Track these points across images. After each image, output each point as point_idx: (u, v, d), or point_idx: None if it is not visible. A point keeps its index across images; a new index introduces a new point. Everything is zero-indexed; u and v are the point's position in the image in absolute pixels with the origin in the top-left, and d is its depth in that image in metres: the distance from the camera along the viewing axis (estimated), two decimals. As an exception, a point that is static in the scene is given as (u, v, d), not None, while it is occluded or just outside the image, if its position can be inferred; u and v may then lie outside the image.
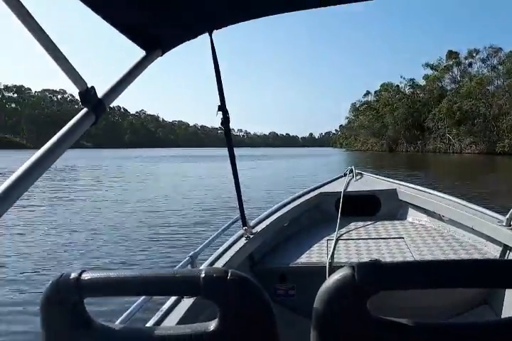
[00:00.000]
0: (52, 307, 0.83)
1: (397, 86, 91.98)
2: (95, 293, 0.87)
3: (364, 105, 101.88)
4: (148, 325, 1.44)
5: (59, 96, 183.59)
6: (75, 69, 0.99)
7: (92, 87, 1.04)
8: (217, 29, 1.59)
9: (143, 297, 1.49)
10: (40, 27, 0.89)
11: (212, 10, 1.39)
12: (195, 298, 1.54)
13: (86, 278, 0.81)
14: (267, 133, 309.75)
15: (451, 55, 79.05)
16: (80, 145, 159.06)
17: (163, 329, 0.86)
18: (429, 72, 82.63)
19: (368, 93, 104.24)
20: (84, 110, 1.04)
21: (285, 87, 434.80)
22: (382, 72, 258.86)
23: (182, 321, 1.50)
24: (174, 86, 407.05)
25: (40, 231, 8.45)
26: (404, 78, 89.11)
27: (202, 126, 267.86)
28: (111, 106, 1.14)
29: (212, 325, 0.80)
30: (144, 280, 0.82)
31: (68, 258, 6.32)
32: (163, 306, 1.58)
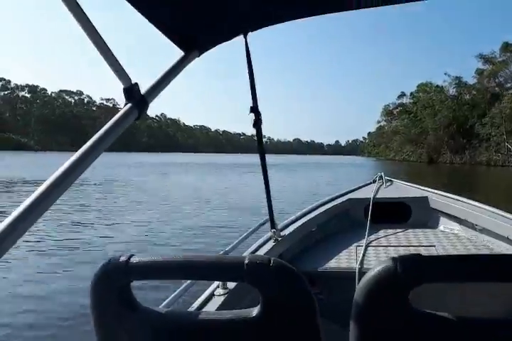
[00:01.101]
0: (102, 290, 0.86)
1: (438, 86, 77.41)
2: (143, 276, 0.88)
3: (398, 108, 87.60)
4: (190, 309, 1.47)
5: (76, 98, 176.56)
6: (121, 66, 1.02)
7: (136, 84, 1.08)
8: (252, 31, 1.61)
9: (186, 282, 1.57)
10: (92, 24, 0.93)
11: (248, 11, 1.44)
12: (236, 284, 1.62)
13: (134, 261, 0.83)
14: (291, 140, 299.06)
15: (508, 47, 64.31)
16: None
17: (206, 314, 0.87)
18: (474, 66, 67.83)
19: (402, 95, 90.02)
20: (128, 106, 1.07)
21: (310, 91, 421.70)
22: (416, 72, 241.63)
23: (223, 306, 1.53)
24: (199, 90, 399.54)
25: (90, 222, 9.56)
26: (448, 76, 74.31)
27: (224, 131, 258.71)
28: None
29: (254, 311, 0.80)
30: (189, 264, 0.83)
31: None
32: (205, 291, 1.62)
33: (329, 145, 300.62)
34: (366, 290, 0.77)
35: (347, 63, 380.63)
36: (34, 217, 0.80)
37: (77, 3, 0.88)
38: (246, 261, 0.78)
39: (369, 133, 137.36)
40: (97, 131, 0.98)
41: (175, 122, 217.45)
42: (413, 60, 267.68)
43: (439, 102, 71.81)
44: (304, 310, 0.80)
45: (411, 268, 0.75)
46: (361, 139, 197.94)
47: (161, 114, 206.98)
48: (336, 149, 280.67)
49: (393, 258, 0.76)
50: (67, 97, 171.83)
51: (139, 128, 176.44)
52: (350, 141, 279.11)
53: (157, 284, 4.30)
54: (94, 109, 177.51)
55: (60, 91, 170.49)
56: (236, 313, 0.82)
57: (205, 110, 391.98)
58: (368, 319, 0.79)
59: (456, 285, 0.81)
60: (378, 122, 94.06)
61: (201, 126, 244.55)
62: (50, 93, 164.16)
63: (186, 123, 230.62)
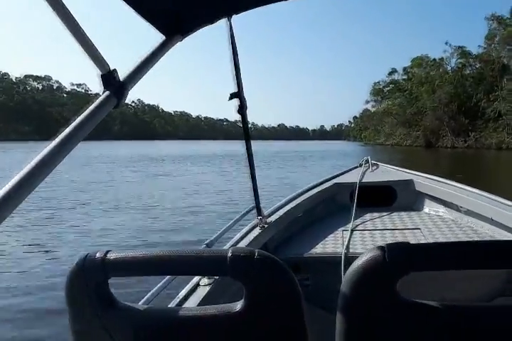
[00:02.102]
0: (77, 286, 0.82)
1: (435, 60, 66.35)
2: (120, 273, 0.85)
3: (390, 85, 76.48)
4: (171, 305, 1.42)
5: (44, 83, 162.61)
6: (97, 50, 0.97)
7: (114, 70, 1.02)
8: (236, 13, 1.56)
9: (166, 277, 1.51)
10: (67, 8, 0.88)
11: None
12: (218, 278, 1.59)
13: (111, 257, 0.80)
14: (276, 126, 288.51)
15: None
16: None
17: (187, 310, 0.84)
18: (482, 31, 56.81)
19: (393, 71, 78.72)
20: (106, 93, 1.02)
21: (294, 75, 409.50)
22: (408, 49, 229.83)
23: (205, 301, 1.49)
24: (181, 75, 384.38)
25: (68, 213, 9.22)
26: (450, 45, 63.11)
27: (206, 118, 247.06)
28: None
29: (238, 305, 0.78)
30: (169, 259, 0.80)
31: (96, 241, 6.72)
32: (186, 286, 1.57)
33: (314, 130, 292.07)
34: (353, 280, 0.76)
35: (332, 44, 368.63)
36: (7, 211, 0.76)
37: None
38: (229, 255, 0.75)
39: (355, 117, 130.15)
40: (73, 120, 0.93)
41: (153, 108, 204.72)
42: (403, 37, 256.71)
43: (439, 77, 61.02)
44: (289, 302, 0.78)
45: (398, 257, 0.74)
46: (347, 123, 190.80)
47: (138, 100, 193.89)
48: (321, 134, 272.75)
49: (380, 247, 0.75)
50: (34, 83, 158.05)
51: (111, 115, 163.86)
52: (335, 126, 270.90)
53: (138, 278, 4.01)
54: (64, 95, 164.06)
55: (26, 76, 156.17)
56: (219, 308, 0.79)
57: (188, 96, 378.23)
58: (355, 309, 0.77)
59: (441, 273, 0.81)
60: (367, 102, 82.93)
61: (181, 112, 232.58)
62: (13, 78, 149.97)
63: (165, 110, 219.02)
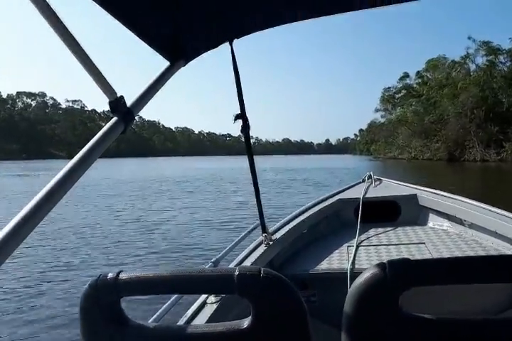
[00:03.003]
0: (91, 307, 0.84)
1: (454, 61, 56.64)
2: (132, 292, 0.86)
3: (402, 91, 66.61)
4: (180, 323, 1.45)
5: (39, 100, 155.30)
6: (105, 79, 1.00)
7: (122, 97, 1.05)
8: (238, 38, 1.59)
9: (174, 296, 1.53)
10: (74, 37, 0.91)
11: (234, 19, 1.46)
12: (225, 296, 1.61)
13: (123, 277, 0.82)
14: (280, 140, 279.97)
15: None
16: (53, 156, 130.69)
17: (196, 327, 0.87)
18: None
19: (405, 76, 69.09)
20: (114, 119, 1.05)
21: (298, 89, 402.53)
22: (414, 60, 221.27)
23: (213, 319, 1.51)
24: (185, 90, 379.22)
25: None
26: (474, 40, 53.28)
27: (208, 133, 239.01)
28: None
29: (245, 323, 0.79)
30: (178, 278, 0.82)
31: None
32: (194, 304, 1.59)
33: (319, 144, 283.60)
34: (356, 296, 0.77)
35: (336, 58, 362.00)
36: (25, 232, 0.78)
37: (56, 15, 0.85)
38: (236, 273, 0.77)
39: (361, 130, 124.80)
40: (81, 146, 0.96)
41: (153, 124, 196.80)
42: (409, 49, 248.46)
43: (462, 78, 51.25)
44: (295, 319, 0.79)
45: (400, 273, 0.74)
46: (353, 136, 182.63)
47: (137, 116, 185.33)
48: (326, 148, 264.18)
49: (382, 264, 0.76)
50: (28, 100, 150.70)
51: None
52: (340, 140, 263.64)
53: (147, 297, 3.89)
54: (59, 111, 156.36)
55: (18, 92, 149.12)
56: (227, 325, 0.81)
57: (191, 111, 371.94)
58: (358, 324, 0.78)
59: (446, 287, 0.80)
60: (376, 111, 73.07)
61: (183, 128, 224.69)
62: (5, 95, 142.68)
63: (166, 126, 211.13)
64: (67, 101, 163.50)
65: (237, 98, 1.96)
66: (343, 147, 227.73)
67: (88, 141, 0.95)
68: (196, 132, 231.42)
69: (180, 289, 0.90)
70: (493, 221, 2.43)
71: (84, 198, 15.72)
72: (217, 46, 1.50)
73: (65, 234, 9.11)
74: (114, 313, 0.84)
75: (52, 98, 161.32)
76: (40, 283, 5.56)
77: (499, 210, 2.54)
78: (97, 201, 15.39)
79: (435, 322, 0.75)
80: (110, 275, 0.83)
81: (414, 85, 65.92)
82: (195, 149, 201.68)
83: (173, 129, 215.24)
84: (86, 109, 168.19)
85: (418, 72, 66.37)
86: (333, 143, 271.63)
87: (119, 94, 1.04)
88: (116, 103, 1.03)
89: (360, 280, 0.77)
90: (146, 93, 1.17)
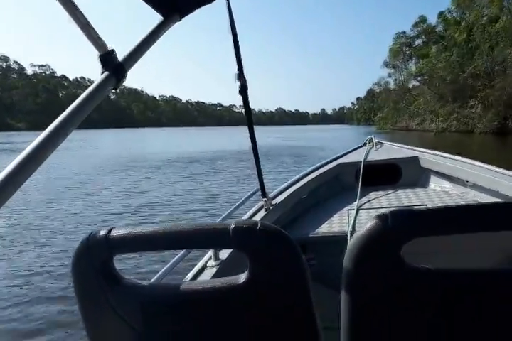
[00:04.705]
0: (83, 265, 0.82)
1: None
2: (125, 249, 0.83)
3: (421, 36, 47.90)
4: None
5: (1, 64, 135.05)
6: (95, 31, 0.95)
7: (113, 50, 0.99)
8: None
9: (177, 255, 1.52)
10: None
11: None
12: (229, 254, 1.61)
13: (115, 234, 0.79)
14: (274, 110, 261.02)
15: None
16: (10, 127, 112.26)
17: (191, 284, 0.83)
18: None
19: (422, 21, 50.19)
20: (105, 74, 0.99)
21: (291, 56, 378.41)
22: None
23: (216, 277, 1.44)
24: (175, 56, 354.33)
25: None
26: None
27: (197, 102, 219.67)
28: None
29: (243, 277, 0.76)
30: (172, 233, 0.79)
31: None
32: (198, 263, 1.58)
33: (315, 114, 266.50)
34: (357, 248, 0.74)
35: (331, 21, 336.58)
36: (10, 191, 0.75)
37: None
38: (232, 227, 0.74)
39: (358, 99, 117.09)
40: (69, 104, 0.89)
41: (133, 92, 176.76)
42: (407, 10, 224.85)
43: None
44: (293, 273, 0.76)
45: (401, 223, 0.72)
46: (349, 106, 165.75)
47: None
48: (322, 118, 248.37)
49: (383, 215, 0.73)
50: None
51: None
52: (336, 109, 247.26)
53: (151, 257, 4.20)
54: (24, 78, 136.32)
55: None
56: (224, 281, 0.78)
57: (178, 79, 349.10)
58: (359, 276, 0.75)
59: (449, 239, 0.79)
60: (386, 65, 54.55)
61: (169, 97, 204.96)
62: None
63: (150, 94, 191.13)
64: (33, 65, 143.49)
65: (235, 56, 1.87)
66: (339, 117, 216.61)
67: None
68: (183, 101, 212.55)
69: (175, 244, 0.85)
70: (495, 180, 2.38)
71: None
72: (213, 0, 1.38)
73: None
74: (106, 271, 0.81)
75: (16, 62, 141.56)
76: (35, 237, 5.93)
77: (501, 170, 2.50)
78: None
79: (439, 273, 0.72)
80: (102, 232, 0.80)
81: (439, 29, 47.34)
82: (182, 119, 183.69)
83: (157, 98, 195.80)
84: (55, 75, 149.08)
85: (441, 14, 47.63)
86: (329, 113, 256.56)
87: (110, 48, 0.98)
88: (107, 56, 0.97)
89: (361, 231, 0.74)
90: (139, 48, 1.11)
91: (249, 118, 2.10)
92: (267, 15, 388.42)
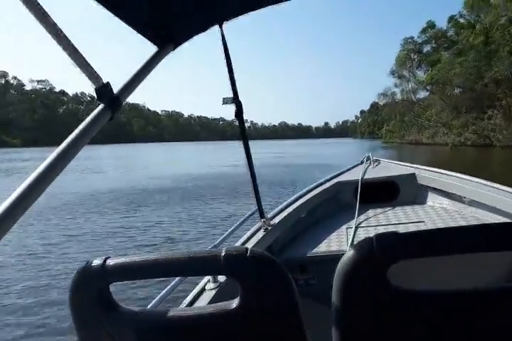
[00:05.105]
0: (80, 293, 0.83)
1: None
2: (120, 278, 0.85)
3: (432, 41, 44.04)
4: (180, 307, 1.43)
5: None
6: (90, 65, 0.96)
7: (108, 83, 1.01)
8: (227, 20, 1.55)
9: (172, 282, 1.52)
10: (57, 25, 0.88)
11: (222, 0, 1.39)
12: (223, 280, 1.59)
13: (110, 263, 0.80)
14: (277, 124, 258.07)
15: None
16: (5, 144, 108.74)
17: (185, 311, 0.85)
18: None
19: (430, 26, 46.43)
20: (101, 106, 1.01)
21: (295, 71, 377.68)
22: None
23: (213, 302, 1.44)
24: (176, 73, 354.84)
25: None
26: None
27: (199, 117, 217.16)
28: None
29: (234, 303, 0.77)
30: (165, 261, 0.80)
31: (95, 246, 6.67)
32: (192, 291, 1.56)
33: (318, 127, 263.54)
34: (345, 269, 0.75)
35: (334, 35, 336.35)
36: (12, 220, 0.78)
37: (40, 3, 0.82)
38: (222, 254, 0.76)
39: (362, 112, 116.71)
40: (68, 135, 0.92)
41: (135, 107, 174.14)
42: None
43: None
44: (284, 299, 0.77)
45: (386, 246, 0.73)
46: (352, 119, 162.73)
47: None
48: (325, 132, 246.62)
49: (369, 238, 0.75)
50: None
51: (76, 115, 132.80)
52: (340, 122, 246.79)
53: (146, 284, 4.21)
54: (21, 94, 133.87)
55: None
56: (216, 307, 0.79)
57: (181, 94, 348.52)
58: (346, 297, 0.76)
59: (438, 260, 0.77)
60: (392, 73, 50.58)
61: (171, 112, 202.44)
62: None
63: (152, 109, 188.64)
64: (32, 81, 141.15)
65: (229, 82, 1.89)
66: (342, 130, 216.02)
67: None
68: (186, 116, 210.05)
69: (168, 272, 0.87)
70: (493, 196, 2.38)
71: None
72: (206, 29, 1.43)
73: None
74: (103, 299, 0.82)
75: (15, 78, 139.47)
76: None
77: (498, 185, 2.49)
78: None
79: (425, 294, 0.73)
80: (97, 261, 0.80)
81: (450, 33, 43.43)
82: (184, 134, 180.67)
83: (159, 112, 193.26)
84: (55, 90, 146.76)
85: (451, 18, 43.77)
86: (332, 127, 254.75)
87: (105, 81, 0.99)
88: (103, 90, 0.99)
89: (347, 255, 0.76)
90: (134, 79, 1.12)
91: (245, 140, 2.09)
92: (265, 30, 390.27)
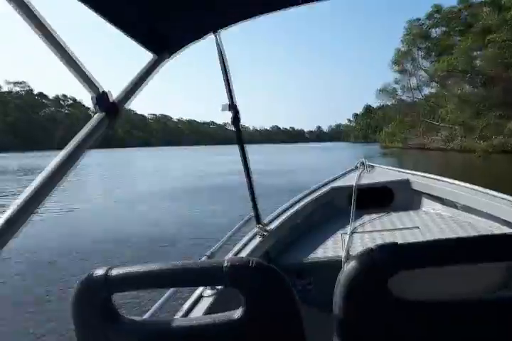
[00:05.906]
0: (82, 304, 0.82)
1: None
2: (123, 288, 0.84)
3: (447, 21, 36.74)
4: (177, 316, 1.40)
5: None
6: (88, 74, 0.95)
7: (105, 92, 1.01)
8: (222, 28, 1.55)
9: (170, 291, 1.50)
10: (52, 33, 0.87)
11: (218, 9, 1.39)
12: (221, 288, 1.57)
13: (113, 274, 0.80)
14: (269, 128, 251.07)
15: None
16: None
17: (188, 321, 0.84)
18: None
19: (436, 10, 38.96)
20: (99, 115, 1.01)
21: (287, 73, 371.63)
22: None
23: (211, 310, 1.46)
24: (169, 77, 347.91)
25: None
26: None
27: (189, 121, 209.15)
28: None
29: (237, 313, 0.78)
30: (168, 272, 0.79)
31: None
32: (189, 299, 1.55)
33: (310, 131, 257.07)
34: (346, 280, 0.75)
35: (325, 41, 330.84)
36: (12, 233, 0.77)
37: (36, 12, 0.82)
38: (225, 264, 0.75)
39: (355, 115, 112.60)
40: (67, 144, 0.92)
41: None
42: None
43: None
44: (286, 308, 0.78)
45: (387, 257, 0.73)
46: (345, 122, 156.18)
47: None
48: (318, 135, 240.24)
49: (369, 249, 0.75)
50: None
51: (54, 118, 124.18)
52: (332, 126, 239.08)
53: (145, 292, 4.04)
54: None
55: None
56: (218, 317, 0.79)
57: (172, 99, 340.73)
58: (348, 308, 0.77)
59: (438, 270, 0.77)
60: (395, 63, 43.15)
61: (159, 115, 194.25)
62: None
63: (139, 113, 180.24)
64: (8, 82, 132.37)
65: (226, 89, 1.87)
66: (335, 134, 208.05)
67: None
68: (174, 119, 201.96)
69: (172, 282, 0.86)
70: (486, 202, 2.38)
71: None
72: (202, 37, 1.44)
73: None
74: (105, 310, 0.81)
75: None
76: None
77: (491, 191, 2.49)
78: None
79: (425, 304, 0.73)
80: (100, 272, 0.79)
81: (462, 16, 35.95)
82: (173, 138, 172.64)
83: (147, 116, 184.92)
84: (33, 92, 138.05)
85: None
86: (325, 130, 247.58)
87: (102, 90, 0.99)
88: (101, 98, 0.98)
89: (349, 266, 0.76)
90: (132, 87, 1.12)
91: (242, 146, 2.09)
92: (261, 33, 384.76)
